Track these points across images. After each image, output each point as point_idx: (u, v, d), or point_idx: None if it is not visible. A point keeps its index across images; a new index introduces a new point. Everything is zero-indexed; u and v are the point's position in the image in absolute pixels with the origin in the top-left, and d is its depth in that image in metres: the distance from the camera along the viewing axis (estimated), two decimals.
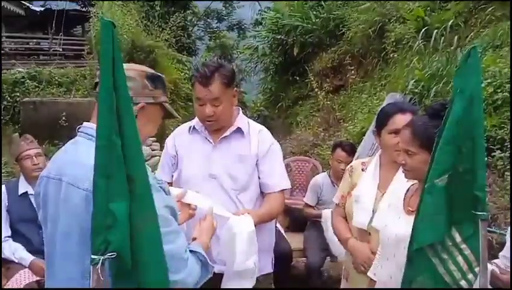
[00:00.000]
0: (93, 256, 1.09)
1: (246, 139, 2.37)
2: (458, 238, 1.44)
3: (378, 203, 2.23)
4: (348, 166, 2.63)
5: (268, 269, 2.47)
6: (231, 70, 2.30)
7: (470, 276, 1.46)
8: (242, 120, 2.41)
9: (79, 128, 1.58)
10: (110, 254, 1.09)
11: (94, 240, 1.11)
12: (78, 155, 1.48)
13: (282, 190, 2.44)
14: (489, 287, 1.42)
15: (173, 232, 1.44)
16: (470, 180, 1.33)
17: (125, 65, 1.53)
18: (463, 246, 1.43)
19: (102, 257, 1.09)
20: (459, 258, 1.44)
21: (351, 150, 4.09)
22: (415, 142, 1.76)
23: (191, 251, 1.53)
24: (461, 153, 1.31)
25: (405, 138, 1.81)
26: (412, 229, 1.45)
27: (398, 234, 1.85)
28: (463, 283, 1.47)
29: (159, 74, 1.63)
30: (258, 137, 2.39)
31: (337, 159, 4.06)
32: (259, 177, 2.37)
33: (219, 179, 2.28)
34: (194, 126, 2.43)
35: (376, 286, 2.05)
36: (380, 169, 2.35)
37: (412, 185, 1.96)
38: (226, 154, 2.33)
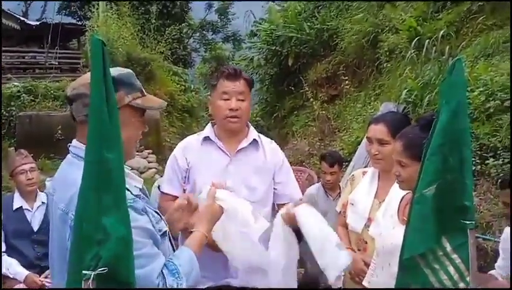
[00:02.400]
0: (84, 271, 1.10)
1: (260, 151, 2.39)
2: (448, 248, 1.45)
3: (375, 211, 2.25)
4: (350, 175, 2.69)
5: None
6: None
7: (462, 285, 1.47)
8: (254, 132, 2.43)
9: (69, 146, 1.59)
10: (101, 269, 1.10)
11: (84, 255, 1.11)
12: (66, 175, 1.51)
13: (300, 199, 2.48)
14: None
15: (143, 256, 1.40)
16: (458, 189, 1.34)
17: (74, 83, 1.55)
18: (454, 255, 1.44)
19: (93, 273, 1.09)
20: (450, 268, 1.45)
21: (332, 162, 4.14)
22: (407, 154, 1.78)
23: (174, 272, 1.47)
24: (448, 163, 1.33)
25: (397, 150, 1.83)
26: (403, 238, 1.47)
27: (393, 243, 1.86)
28: None
29: (115, 76, 1.44)
30: (270, 149, 2.43)
31: (323, 170, 4.17)
32: (274, 189, 2.39)
33: (236, 191, 2.22)
34: (206, 137, 2.38)
35: None
36: (378, 178, 2.39)
37: (407, 194, 1.97)
38: (243, 167, 2.32)
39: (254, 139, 2.38)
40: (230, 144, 2.34)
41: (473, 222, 1.35)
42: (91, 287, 1.08)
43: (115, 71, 1.51)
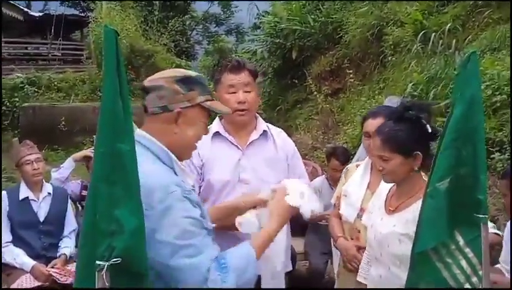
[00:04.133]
0: (98, 262, 1.10)
1: (270, 142, 2.38)
2: (461, 242, 1.44)
3: (367, 202, 2.30)
4: (344, 168, 2.75)
5: (290, 267, 2.52)
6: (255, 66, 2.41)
7: (475, 279, 1.47)
8: (263, 123, 2.42)
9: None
10: (114, 259, 1.10)
11: (98, 246, 1.11)
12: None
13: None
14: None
15: (193, 246, 1.38)
16: (471, 183, 1.34)
17: (154, 75, 1.60)
18: (466, 249, 1.44)
19: (107, 263, 1.09)
20: (463, 262, 1.45)
21: (344, 159, 4.11)
22: (386, 148, 1.85)
23: (223, 266, 1.42)
24: (462, 157, 1.32)
25: (377, 145, 1.90)
26: (415, 233, 1.47)
27: (382, 233, 1.94)
28: (467, 286, 1.47)
29: (192, 75, 1.58)
30: (281, 139, 2.42)
31: (333, 168, 4.12)
32: (288, 174, 2.38)
33: (251, 184, 2.24)
34: (216, 132, 2.35)
35: (368, 287, 2.09)
36: (371, 169, 2.43)
37: (393, 185, 2.04)
38: (256, 159, 2.31)
39: (264, 131, 2.37)
40: (240, 138, 2.33)
41: (486, 216, 1.34)
42: (104, 277, 1.08)
43: (191, 72, 1.61)
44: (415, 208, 1.75)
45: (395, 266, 1.88)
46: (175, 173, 1.51)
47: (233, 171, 2.24)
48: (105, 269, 1.09)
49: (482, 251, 1.35)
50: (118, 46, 1.14)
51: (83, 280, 1.19)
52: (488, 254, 1.36)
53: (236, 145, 2.31)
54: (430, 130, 1.77)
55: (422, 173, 1.89)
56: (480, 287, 1.38)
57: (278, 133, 2.45)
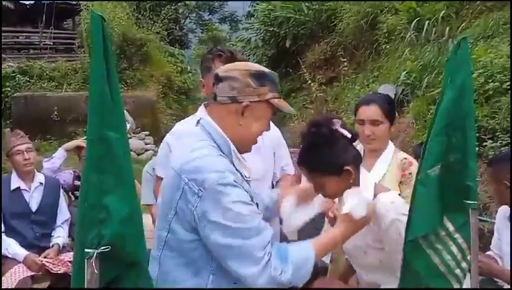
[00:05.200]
0: (87, 250, 1.09)
1: None
2: (451, 228, 1.45)
3: None
4: None
5: None
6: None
7: (464, 264, 1.48)
8: None
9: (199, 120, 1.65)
10: (103, 247, 1.09)
11: (87, 234, 1.11)
12: (187, 141, 1.61)
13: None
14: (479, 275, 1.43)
15: (247, 229, 1.40)
16: (461, 170, 1.34)
17: (229, 65, 1.62)
18: (456, 235, 1.45)
19: (96, 251, 1.09)
20: (453, 248, 1.46)
21: None
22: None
23: (283, 257, 1.43)
24: (452, 143, 1.32)
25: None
26: (407, 220, 1.46)
27: (347, 248, 1.86)
28: (458, 272, 1.48)
29: (266, 71, 1.59)
30: None
31: None
32: (275, 163, 2.42)
33: None
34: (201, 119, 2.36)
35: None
36: (363, 155, 2.41)
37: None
38: None
39: None
40: None
41: (476, 202, 1.35)
42: (94, 265, 1.08)
43: (264, 68, 1.62)
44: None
45: (371, 273, 1.86)
46: (232, 163, 1.55)
47: None
48: (94, 257, 1.09)
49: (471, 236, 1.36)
50: (106, 32, 1.12)
51: (77, 269, 1.19)
52: (477, 240, 1.37)
53: None
54: (349, 135, 1.63)
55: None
56: (469, 271, 1.39)
57: None
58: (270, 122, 2.48)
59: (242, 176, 1.57)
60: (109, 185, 1.13)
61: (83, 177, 1.17)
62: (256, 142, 1.67)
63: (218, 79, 1.58)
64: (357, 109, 2.42)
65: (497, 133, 4.33)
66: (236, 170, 1.54)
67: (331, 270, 2.60)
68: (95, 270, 1.08)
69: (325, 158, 1.63)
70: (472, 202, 1.33)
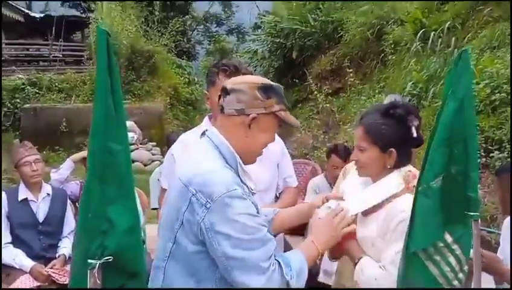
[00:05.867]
0: (89, 260, 1.11)
1: None
2: (449, 239, 1.45)
3: None
4: (343, 167, 2.72)
5: None
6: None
7: (461, 275, 1.47)
8: None
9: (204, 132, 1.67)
10: (106, 258, 1.11)
11: (90, 245, 1.12)
12: (194, 153, 1.62)
13: (296, 186, 2.54)
14: (482, 286, 1.43)
15: (254, 240, 1.44)
16: (463, 181, 1.34)
17: (236, 78, 1.66)
18: (454, 246, 1.44)
19: (99, 261, 1.10)
20: (451, 259, 1.45)
21: (346, 155, 4.09)
22: (366, 138, 1.80)
23: (286, 262, 1.50)
24: (454, 154, 1.33)
25: (358, 134, 1.85)
26: (408, 231, 1.46)
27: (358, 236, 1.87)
28: (456, 283, 1.48)
29: (273, 84, 1.62)
30: None
31: (333, 165, 4.07)
32: (278, 174, 2.41)
33: None
34: (206, 130, 2.37)
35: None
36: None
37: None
38: None
39: None
40: None
41: (478, 213, 1.34)
42: (96, 276, 1.09)
43: (270, 81, 1.65)
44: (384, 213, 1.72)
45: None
46: (238, 175, 1.57)
47: None
48: (97, 268, 1.10)
49: (472, 248, 1.35)
50: (110, 46, 1.14)
51: (77, 279, 1.20)
52: (479, 252, 1.36)
53: None
54: (415, 135, 1.72)
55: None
56: (464, 282, 1.38)
57: None
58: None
59: (248, 188, 1.59)
60: (111, 196, 1.15)
61: (85, 187, 1.19)
62: (261, 154, 1.69)
63: (226, 92, 1.60)
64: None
65: (503, 144, 4.32)
66: (242, 182, 1.56)
67: (336, 281, 2.59)
68: (98, 281, 1.09)
69: (384, 129, 1.73)
70: (474, 213, 1.33)
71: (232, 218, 1.43)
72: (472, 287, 1.41)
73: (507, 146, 4.27)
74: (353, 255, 1.86)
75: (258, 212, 1.54)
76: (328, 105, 9.11)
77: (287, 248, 3.91)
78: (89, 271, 1.10)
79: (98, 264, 1.10)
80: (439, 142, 1.34)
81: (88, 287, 1.10)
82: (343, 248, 1.90)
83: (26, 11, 17.48)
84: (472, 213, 1.34)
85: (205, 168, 1.49)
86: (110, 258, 1.11)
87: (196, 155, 1.58)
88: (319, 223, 1.71)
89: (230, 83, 1.63)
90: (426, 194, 1.37)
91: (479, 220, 1.37)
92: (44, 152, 9.67)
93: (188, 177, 1.46)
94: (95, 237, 1.13)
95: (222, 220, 1.42)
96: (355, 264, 1.81)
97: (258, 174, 2.27)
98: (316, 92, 9.33)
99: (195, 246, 1.45)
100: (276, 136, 2.48)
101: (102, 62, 1.13)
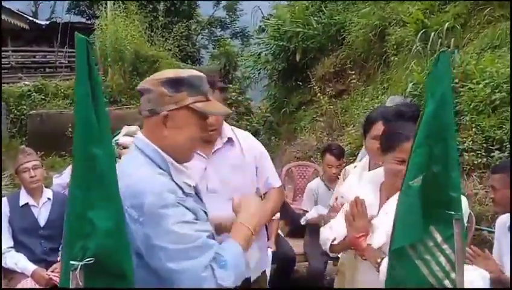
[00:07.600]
0: (72, 262, 1.13)
1: (237, 148, 2.34)
2: (439, 239, 1.46)
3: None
4: (343, 170, 2.72)
5: (267, 266, 2.52)
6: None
7: (453, 275, 1.48)
8: (228, 129, 2.38)
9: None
10: (87, 259, 1.13)
11: (72, 247, 1.15)
12: (123, 167, 1.54)
13: (280, 186, 2.51)
14: (465, 286, 1.43)
15: (191, 249, 1.40)
16: (444, 181, 1.35)
17: (148, 77, 1.59)
18: (444, 246, 1.45)
19: (80, 263, 1.13)
20: (442, 258, 1.46)
21: (339, 154, 4.12)
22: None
23: (222, 264, 1.44)
24: (434, 154, 1.34)
25: (406, 148, 1.75)
26: (392, 230, 1.48)
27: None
28: (446, 283, 1.48)
29: (183, 76, 1.52)
30: (247, 144, 2.39)
31: (328, 164, 4.11)
32: (257, 176, 2.38)
33: (219, 193, 2.18)
34: None
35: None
36: (368, 170, 2.39)
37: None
38: (222, 167, 2.26)
39: (229, 138, 2.32)
40: (205, 146, 2.22)
41: (459, 213, 1.35)
42: (78, 277, 1.12)
43: (185, 72, 1.56)
44: None
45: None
46: (171, 177, 1.51)
47: (200, 182, 2.06)
48: (78, 269, 1.12)
49: (456, 247, 1.36)
50: (90, 53, 1.17)
51: (63, 281, 1.23)
52: (463, 251, 1.37)
53: (200, 154, 2.20)
54: None
55: None
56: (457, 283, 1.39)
57: (244, 137, 2.42)
58: (249, 134, 2.49)
59: (183, 191, 1.52)
60: (94, 200, 1.17)
61: (69, 192, 1.21)
62: (193, 149, 1.62)
63: (140, 93, 1.57)
64: (370, 124, 2.34)
65: (504, 143, 4.29)
66: (177, 184, 1.50)
67: (338, 281, 2.60)
68: (79, 282, 1.12)
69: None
70: (455, 213, 1.34)
71: (167, 229, 1.38)
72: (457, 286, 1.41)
73: (508, 146, 4.25)
74: (372, 257, 1.89)
75: (196, 216, 1.49)
76: (331, 107, 9.09)
77: (285, 247, 3.96)
78: (71, 273, 1.13)
79: (79, 266, 1.13)
80: (418, 143, 1.36)
81: (70, 288, 1.13)
82: (359, 248, 1.94)
83: (32, 18, 17.69)
84: (453, 213, 1.35)
85: (135, 178, 1.44)
86: (91, 260, 1.14)
87: (128, 164, 1.54)
88: (245, 203, 1.70)
89: (142, 83, 1.58)
90: (406, 193, 1.38)
91: (461, 220, 1.37)
92: (50, 157, 9.77)
93: (122, 192, 1.36)
94: (78, 240, 1.16)
95: (157, 233, 1.39)
96: (378, 265, 1.85)
97: (233, 180, 2.25)
98: (319, 95, 9.33)
99: (138, 260, 1.42)
100: (254, 139, 2.46)
101: (83, 68, 1.16)
